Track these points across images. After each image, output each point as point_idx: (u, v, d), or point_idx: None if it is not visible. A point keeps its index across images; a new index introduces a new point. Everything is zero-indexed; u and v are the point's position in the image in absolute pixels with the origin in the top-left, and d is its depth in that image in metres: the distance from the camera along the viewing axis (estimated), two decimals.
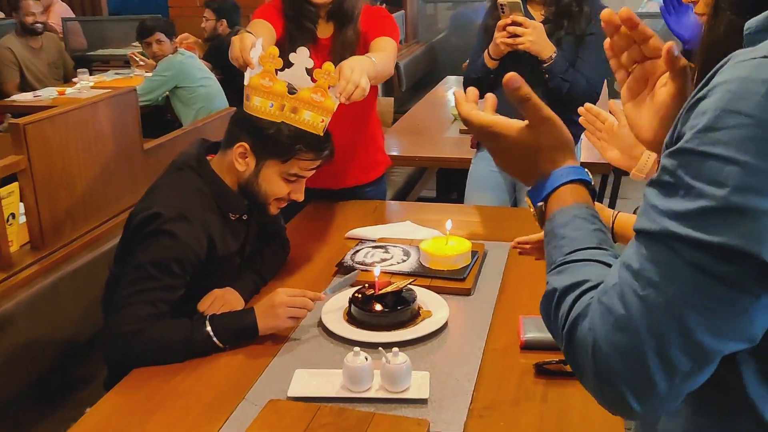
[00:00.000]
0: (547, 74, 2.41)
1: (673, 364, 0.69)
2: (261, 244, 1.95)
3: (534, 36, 2.36)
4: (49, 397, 2.01)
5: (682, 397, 0.73)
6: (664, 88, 0.90)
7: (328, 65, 1.72)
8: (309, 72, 1.72)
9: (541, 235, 1.54)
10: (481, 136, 0.93)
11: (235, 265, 1.82)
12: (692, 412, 0.82)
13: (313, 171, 1.78)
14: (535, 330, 1.58)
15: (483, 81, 2.52)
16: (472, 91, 0.97)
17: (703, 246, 0.66)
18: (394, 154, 3.31)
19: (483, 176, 2.69)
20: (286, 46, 2.13)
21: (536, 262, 1.98)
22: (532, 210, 0.91)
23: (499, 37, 2.39)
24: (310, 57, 1.73)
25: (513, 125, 0.90)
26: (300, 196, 1.78)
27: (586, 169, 0.89)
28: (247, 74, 1.72)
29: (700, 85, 0.71)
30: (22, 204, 2.11)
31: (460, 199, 4.00)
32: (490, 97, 0.95)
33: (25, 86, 4.86)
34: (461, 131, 3.45)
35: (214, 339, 1.57)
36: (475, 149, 2.78)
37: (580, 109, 1.58)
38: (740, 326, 0.68)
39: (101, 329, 1.80)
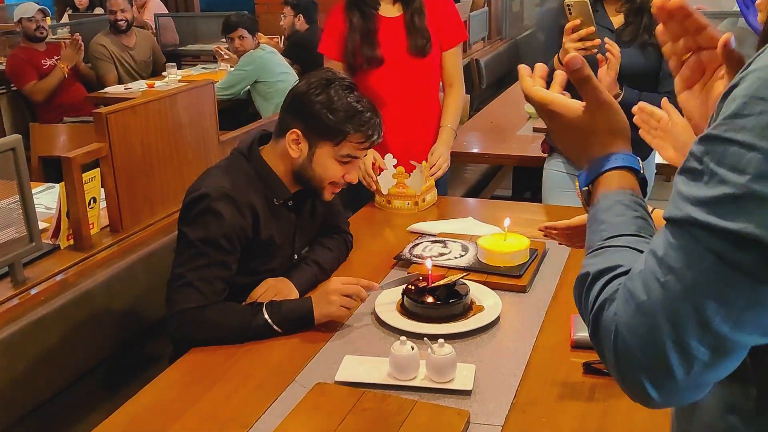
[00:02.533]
0: None
1: (690, 353, 0.69)
2: (323, 236, 2.00)
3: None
4: (121, 372, 2.12)
5: (703, 388, 0.73)
6: (720, 81, 0.88)
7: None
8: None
9: (568, 222, 1.52)
10: (540, 113, 0.93)
11: (285, 255, 1.87)
12: (724, 411, 0.81)
13: (366, 151, 1.81)
14: (587, 330, 1.56)
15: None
16: (541, 66, 0.96)
17: (722, 233, 0.65)
18: (466, 151, 3.32)
19: (558, 179, 2.65)
20: (346, 35, 2.50)
21: None
22: (578, 193, 0.91)
23: (568, 41, 2.32)
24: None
25: (571, 105, 0.90)
26: (354, 178, 1.82)
27: (638, 158, 0.88)
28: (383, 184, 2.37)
29: (738, 72, 0.70)
30: (102, 189, 2.24)
31: (533, 198, 3.96)
32: (559, 74, 0.94)
33: (119, 80, 5.11)
34: (535, 129, 3.42)
35: (273, 325, 1.63)
36: (547, 153, 2.73)
37: (634, 108, 1.54)
38: (759, 317, 0.67)
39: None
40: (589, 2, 2.20)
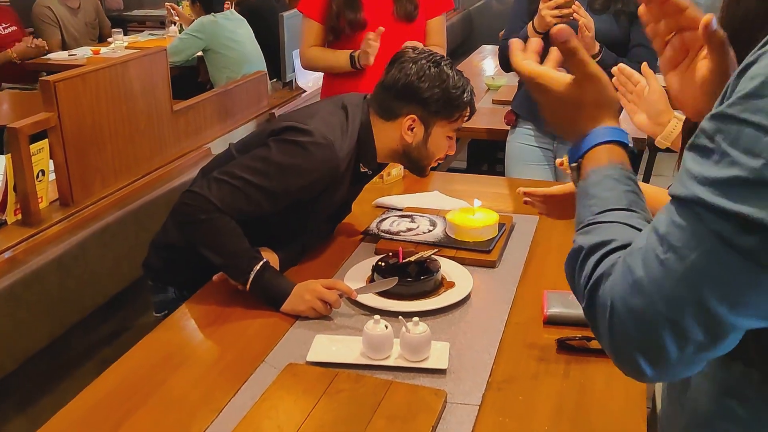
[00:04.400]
0: None
1: (685, 334, 0.68)
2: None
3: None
4: (73, 353, 2.04)
5: (696, 366, 0.72)
6: (704, 62, 0.86)
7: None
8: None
9: (546, 190, 1.49)
10: (529, 87, 0.92)
11: (331, 208, 1.83)
12: (722, 395, 0.80)
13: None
14: (560, 305, 1.55)
15: None
16: (536, 41, 0.94)
17: (728, 215, 0.64)
18: None
19: (522, 152, 2.63)
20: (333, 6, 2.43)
21: (564, 236, 1.96)
22: (568, 168, 0.89)
23: (544, 8, 2.30)
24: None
25: (559, 79, 0.88)
26: (453, 149, 1.83)
27: (627, 132, 0.87)
28: None
29: (755, 49, 0.68)
30: (51, 161, 2.13)
31: (490, 170, 3.97)
32: (553, 50, 0.92)
33: (62, 45, 4.88)
34: (494, 101, 3.40)
35: (250, 276, 1.58)
36: (510, 126, 2.71)
37: (613, 69, 1.55)
38: (758, 302, 0.66)
39: (156, 237, 1.85)
40: None
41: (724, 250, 0.64)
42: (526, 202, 1.56)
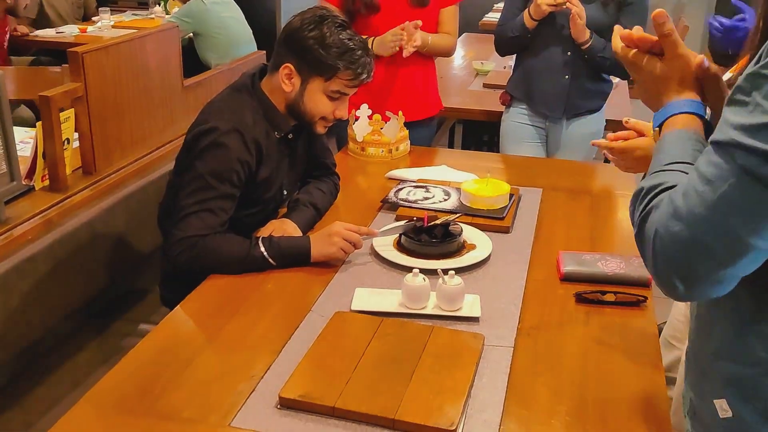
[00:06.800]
0: (586, 54, 2.54)
1: (711, 252, 0.83)
2: (313, 177, 2.06)
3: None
4: (104, 313, 2.13)
5: (722, 285, 0.87)
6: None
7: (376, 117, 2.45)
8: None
9: (617, 144, 1.55)
10: (627, 65, 1.09)
11: (277, 188, 1.92)
12: (748, 318, 0.95)
13: (356, 89, 1.86)
14: (574, 264, 1.70)
15: (519, 40, 2.63)
16: (638, 29, 1.09)
17: (757, 152, 0.79)
18: None
19: (516, 129, 2.81)
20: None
21: (568, 206, 2.12)
22: (652, 132, 1.06)
23: None
24: None
25: (652, 58, 1.04)
26: (344, 114, 1.88)
27: (705, 106, 1.02)
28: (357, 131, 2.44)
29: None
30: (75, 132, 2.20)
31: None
32: (635, 29, 1.07)
33: (46, 22, 4.87)
34: (485, 85, 3.55)
35: (268, 258, 1.69)
36: (505, 105, 2.86)
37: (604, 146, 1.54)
38: None
39: (162, 242, 1.93)
40: None
41: (750, 181, 0.80)
42: (604, 153, 1.58)
